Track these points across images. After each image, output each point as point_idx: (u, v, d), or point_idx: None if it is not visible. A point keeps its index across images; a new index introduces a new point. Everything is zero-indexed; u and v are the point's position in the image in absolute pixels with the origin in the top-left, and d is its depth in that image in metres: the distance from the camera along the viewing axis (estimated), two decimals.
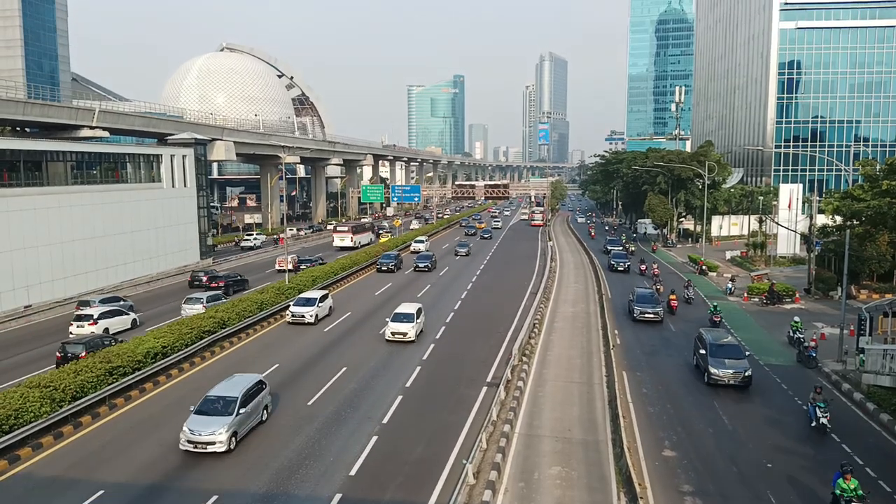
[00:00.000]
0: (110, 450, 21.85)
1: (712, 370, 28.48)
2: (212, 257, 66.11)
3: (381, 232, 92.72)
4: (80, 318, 36.58)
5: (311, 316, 39.37)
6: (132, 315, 39.48)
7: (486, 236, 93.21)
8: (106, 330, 35.67)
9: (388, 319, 36.32)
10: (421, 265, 61.34)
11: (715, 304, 42.03)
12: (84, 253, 47.93)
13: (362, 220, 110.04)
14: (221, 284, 49.32)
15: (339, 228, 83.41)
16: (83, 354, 28.82)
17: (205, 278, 51.74)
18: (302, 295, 41.82)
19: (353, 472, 20.14)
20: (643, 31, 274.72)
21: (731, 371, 28.41)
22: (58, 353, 29.94)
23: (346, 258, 59.89)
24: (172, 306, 44.17)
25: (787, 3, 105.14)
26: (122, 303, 41.92)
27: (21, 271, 42.48)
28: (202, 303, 40.06)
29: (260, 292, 42.01)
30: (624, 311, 43.95)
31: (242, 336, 36.43)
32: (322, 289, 46.02)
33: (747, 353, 30.82)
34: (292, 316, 39.51)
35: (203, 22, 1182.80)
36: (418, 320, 36.26)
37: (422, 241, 75.74)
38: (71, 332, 35.68)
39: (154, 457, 21.25)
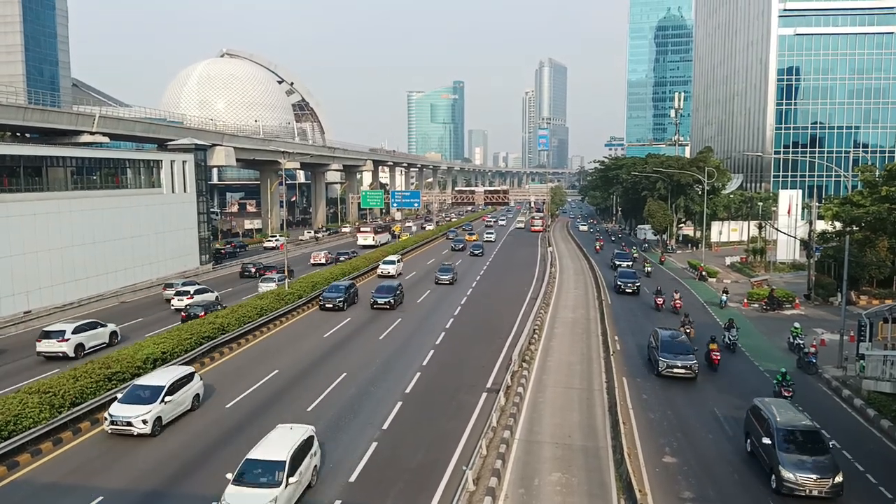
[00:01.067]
0: (109, 456, 21.79)
1: (786, 474, 19.24)
2: (211, 263, 66.09)
3: (402, 233, 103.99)
4: (179, 293, 45.52)
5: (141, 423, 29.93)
6: (215, 293, 47.48)
7: (476, 252, 78.48)
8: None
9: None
10: (381, 301, 45.31)
11: (783, 370, 28.92)
12: (84, 258, 47.90)
13: (379, 222, 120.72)
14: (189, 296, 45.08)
15: (362, 229, 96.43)
16: (202, 314, 38.33)
17: (174, 291, 46.91)
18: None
19: (352, 479, 20.09)
20: (642, 38, 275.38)
21: (814, 476, 19.05)
22: (182, 313, 39.94)
23: (345, 264, 60.29)
24: (173, 311, 44.51)
25: (785, 10, 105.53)
26: (200, 286, 48.46)
27: (21, 277, 42.45)
28: (275, 281, 50.18)
29: (259, 298, 41.99)
30: (641, 355, 34.58)
31: (242, 342, 36.39)
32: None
33: (831, 443, 20.93)
34: None
35: (203, 28, 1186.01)
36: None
37: (392, 263, 61.24)
38: (172, 304, 45.06)
39: (153, 463, 21.19)
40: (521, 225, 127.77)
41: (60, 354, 32.76)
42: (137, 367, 27.48)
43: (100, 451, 22.18)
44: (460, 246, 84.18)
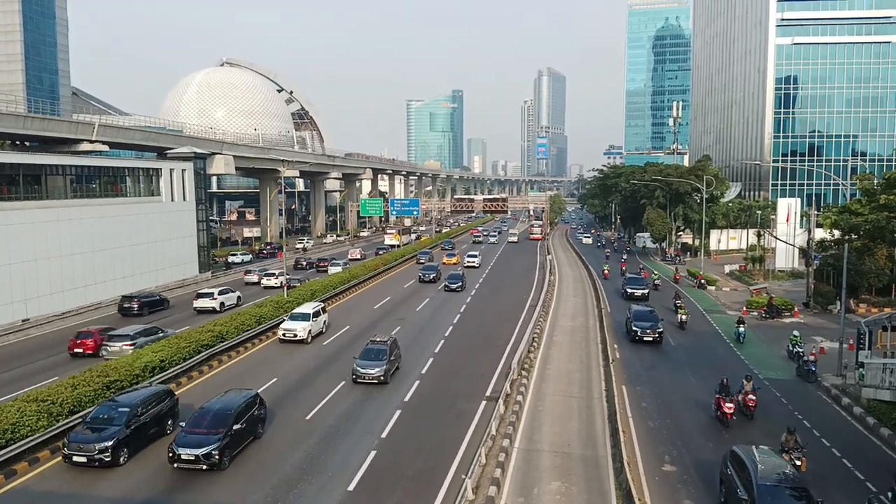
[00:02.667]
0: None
1: None
2: (210, 271, 66.05)
3: (421, 236, 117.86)
4: (201, 295, 48.85)
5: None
6: (237, 293, 51.02)
7: (453, 286, 57.07)
8: (221, 304, 47.78)
9: None
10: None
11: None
12: (83, 267, 47.88)
13: (398, 226, 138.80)
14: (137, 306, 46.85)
15: (388, 231, 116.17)
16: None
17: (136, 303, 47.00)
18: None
19: (351, 487, 20.01)
20: (641, 47, 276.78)
21: None
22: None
23: (345, 272, 60.28)
24: (172, 319, 44.56)
25: (783, 19, 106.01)
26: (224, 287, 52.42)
27: (19, 285, 42.41)
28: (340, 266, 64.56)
29: (259, 306, 41.96)
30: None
31: (241, 350, 36.33)
32: (321, 301, 45.91)
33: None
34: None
35: (203, 38, 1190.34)
36: None
37: (298, 321, 38.70)
38: (195, 308, 47.76)
39: (151, 471, 21.11)
40: (514, 238, 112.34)
41: (211, 309, 46.68)
42: (136, 375, 27.40)
43: None
44: (431, 276, 62.10)
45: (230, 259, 78.23)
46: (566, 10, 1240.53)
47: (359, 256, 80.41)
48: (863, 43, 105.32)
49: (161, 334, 35.69)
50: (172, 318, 45.05)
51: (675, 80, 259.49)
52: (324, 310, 41.62)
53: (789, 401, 28.88)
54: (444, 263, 74.61)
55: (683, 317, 43.53)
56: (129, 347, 33.06)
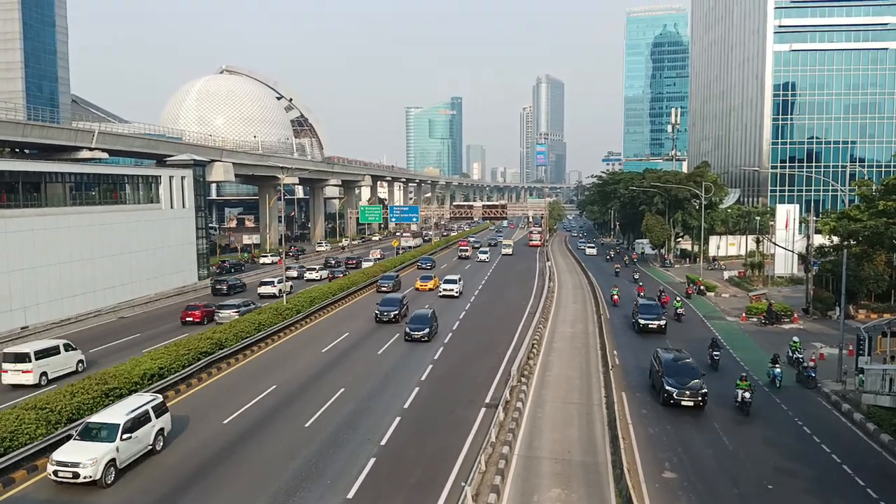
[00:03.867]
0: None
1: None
2: (209, 278, 65.99)
3: (431, 239, 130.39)
4: (264, 283, 59.70)
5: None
6: (290, 283, 58.22)
7: (416, 334, 40.04)
8: (280, 290, 54.19)
9: None
10: None
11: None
12: (82, 274, 47.84)
13: (413, 230, 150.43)
14: None
15: (404, 234, 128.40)
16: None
17: (225, 285, 59.46)
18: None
19: (350, 495, 19.95)
20: (639, 54, 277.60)
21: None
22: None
23: (345, 279, 60.31)
24: (171, 326, 44.64)
25: (781, 26, 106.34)
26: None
27: (18, 292, 42.35)
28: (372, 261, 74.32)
29: (258, 313, 41.93)
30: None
31: (240, 357, 36.28)
32: (320, 309, 46.10)
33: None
34: None
35: (203, 46, 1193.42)
36: None
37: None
38: (259, 294, 57.39)
39: (149, 481, 21.06)
40: (509, 251, 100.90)
41: (272, 294, 56.51)
42: (135, 382, 27.35)
43: None
44: (392, 314, 45.92)
45: (262, 260, 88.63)
46: (564, 17, 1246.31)
47: (379, 256, 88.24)
48: (860, 50, 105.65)
49: (253, 306, 46.88)
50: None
51: (674, 87, 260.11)
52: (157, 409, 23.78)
53: (789, 407, 28.83)
54: (416, 289, 62.08)
55: (746, 393, 28.00)
56: (235, 314, 44.58)
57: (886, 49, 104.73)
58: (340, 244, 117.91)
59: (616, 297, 55.41)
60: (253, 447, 23.63)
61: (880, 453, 24.09)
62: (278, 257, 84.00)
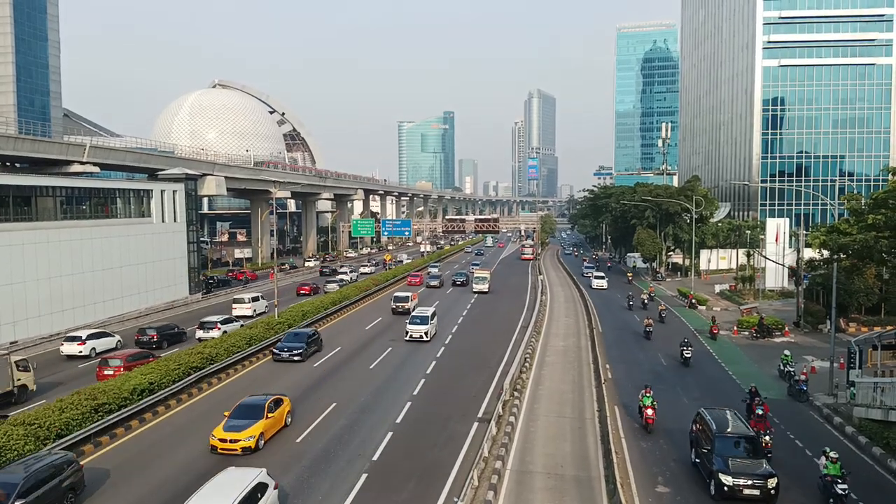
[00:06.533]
0: (93, 488, 21.39)
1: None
2: (200, 292, 65.71)
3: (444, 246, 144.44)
4: (330, 281, 74.71)
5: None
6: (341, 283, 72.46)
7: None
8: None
9: None
10: None
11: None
12: (72, 288, 47.54)
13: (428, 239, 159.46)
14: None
15: (423, 241, 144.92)
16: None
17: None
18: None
19: None
20: (629, 69, 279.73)
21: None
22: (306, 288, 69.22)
23: (338, 292, 60.14)
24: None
25: (769, 42, 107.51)
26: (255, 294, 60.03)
27: (7, 307, 42.04)
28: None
29: (249, 328, 41.73)
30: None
31: (231, 372, 36.04)
32: (311, 324, 45.88)
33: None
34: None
35: (195, 60, 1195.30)
36: None
37: None
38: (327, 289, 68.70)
39: (138, 499, 20.83)
40: (484, 287, 70.10)
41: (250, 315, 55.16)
42: (125, 398, 27.12)
43: (87, 484, 21.75)
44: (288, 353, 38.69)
45: (306, 264, 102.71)
46: (556, 32, 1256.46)
47: (359, 273, 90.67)
48: (848, 65, 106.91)
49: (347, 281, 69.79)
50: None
51: (664, 102, 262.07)
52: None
53: (781, 420, 28.85)
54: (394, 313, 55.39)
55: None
56: (335, 286, 67.57)
57: (873, 64, 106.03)
58: (328, 257, 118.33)
59: (648, 325, 46.45)
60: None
61: (872, 466, 24.13)
62: (271, 271, 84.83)
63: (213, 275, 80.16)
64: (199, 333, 44.13)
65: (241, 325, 45.83)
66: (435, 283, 76.95)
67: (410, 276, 79.19)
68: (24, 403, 30.63)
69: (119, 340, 43.05)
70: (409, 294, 58.23)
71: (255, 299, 56.41)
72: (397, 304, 55.89)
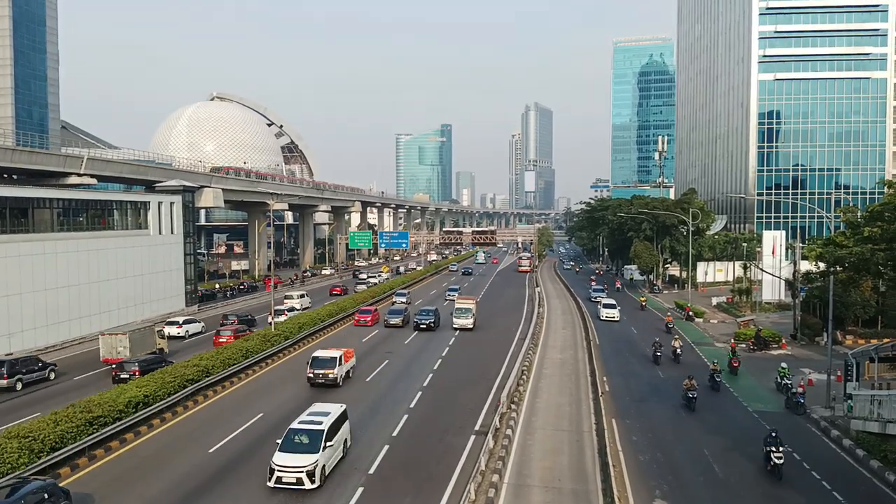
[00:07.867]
0: (84, 502, 21.22)
1: None
2: (197, 304, 65.57)
3: (448, 256, 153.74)
4: (360, 282, 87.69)
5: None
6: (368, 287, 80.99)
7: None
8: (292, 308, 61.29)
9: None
10: None
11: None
12: (68, 300, 47.43)
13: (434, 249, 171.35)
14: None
15: (432, 251, 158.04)
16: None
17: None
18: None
19: None
20: (626, 83, 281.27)
21: None
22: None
23: (334, 304, 60.05)
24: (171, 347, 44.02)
25: (765, 56, 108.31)
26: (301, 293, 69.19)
27: (3, 319, 41.92)
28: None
29: (245, 340, 41.60)
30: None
31: (227, 384, 35.88)
32: (312, 334, 45.94)
33: None
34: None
35: (194, 72, 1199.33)
36: None
37: None
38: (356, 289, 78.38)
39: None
40: (468, 322, 53.96)
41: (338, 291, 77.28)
42: (119, 410, 26.96)
43: (82, 497, 21.61)
44: None
45: (322, 272, 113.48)
46: (553, 46, 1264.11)
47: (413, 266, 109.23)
48: (843, 78, 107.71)
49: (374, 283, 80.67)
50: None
51: (660, 115, 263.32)
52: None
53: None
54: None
55: None
56: (364, 287, 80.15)
57: (868, 78, 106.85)
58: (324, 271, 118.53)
59: (678, 347, 43.51)
60: (240, 477, 23.28)
61: (870, 479, 24.05)
62: (332, 271, 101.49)
63: (317, 268, 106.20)
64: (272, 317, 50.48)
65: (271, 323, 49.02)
66: (396, 320, 54.89)
67: (359, 313, 57.26)
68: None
69: (203, 325, 53.57)
70: (335, 355, 36.17)
71: (302, 296, 67.05)
72: (315, 372, 35.25)
